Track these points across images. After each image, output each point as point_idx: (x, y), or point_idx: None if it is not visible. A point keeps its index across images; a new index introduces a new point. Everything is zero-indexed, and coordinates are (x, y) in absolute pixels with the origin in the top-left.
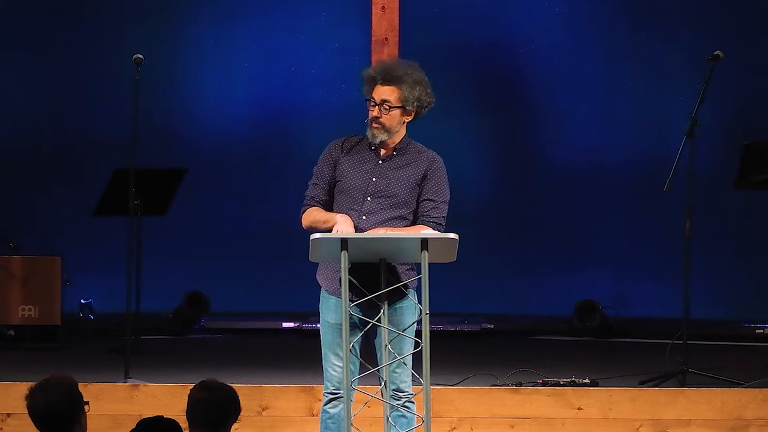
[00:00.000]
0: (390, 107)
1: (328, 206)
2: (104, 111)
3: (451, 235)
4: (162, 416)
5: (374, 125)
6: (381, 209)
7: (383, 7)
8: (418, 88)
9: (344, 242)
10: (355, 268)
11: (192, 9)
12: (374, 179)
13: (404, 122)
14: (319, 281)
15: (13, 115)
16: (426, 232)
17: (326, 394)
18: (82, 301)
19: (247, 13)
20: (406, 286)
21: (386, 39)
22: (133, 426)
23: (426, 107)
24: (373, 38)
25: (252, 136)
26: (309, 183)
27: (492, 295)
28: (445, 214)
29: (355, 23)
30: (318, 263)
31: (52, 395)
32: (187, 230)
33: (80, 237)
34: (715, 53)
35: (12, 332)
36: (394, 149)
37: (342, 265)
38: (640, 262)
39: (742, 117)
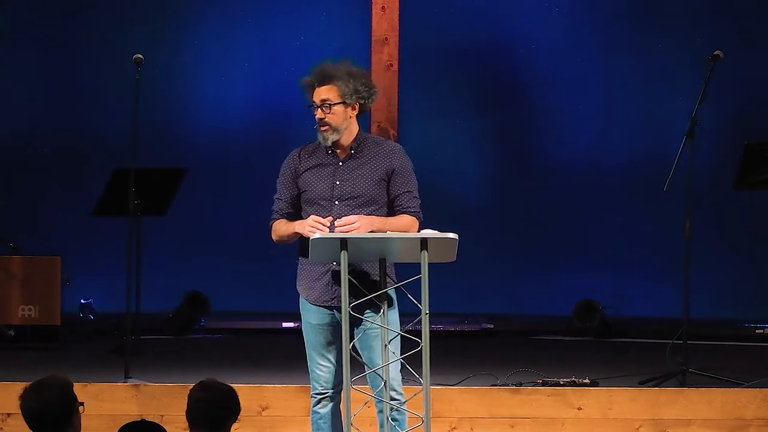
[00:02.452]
0: (331, 105)
1: (294, 218)
2: (104, 111)
3: (451, 235)
4: (144, 419)
5: (322, 128)
6: (350, 210)
7: (383, 7)
8: (353, 81)
9: (344, 242)
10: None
11: (192, 9)
12: (338, 182)
13: (351, 117)
14: (299, 290)
15: (13, 114)
16: (426, 231)
17: (314, 395)
18: (82, 301)
19: (247, 13)
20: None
21: (386, 39)
22: None
23: (369, 98)
24: (373, 38)
25: (252, 136)
26: (274, 198)
27: (492, 295)
28: (420, 201)
29: (355, 23)
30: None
31: (44, 396)
32: (187, 230)
33: (80, 237)
34: (715, 53)
35: (12, 332)
36: (351, 148)
37: (342, 265)
38: (640, 262)
39: (742, 117)
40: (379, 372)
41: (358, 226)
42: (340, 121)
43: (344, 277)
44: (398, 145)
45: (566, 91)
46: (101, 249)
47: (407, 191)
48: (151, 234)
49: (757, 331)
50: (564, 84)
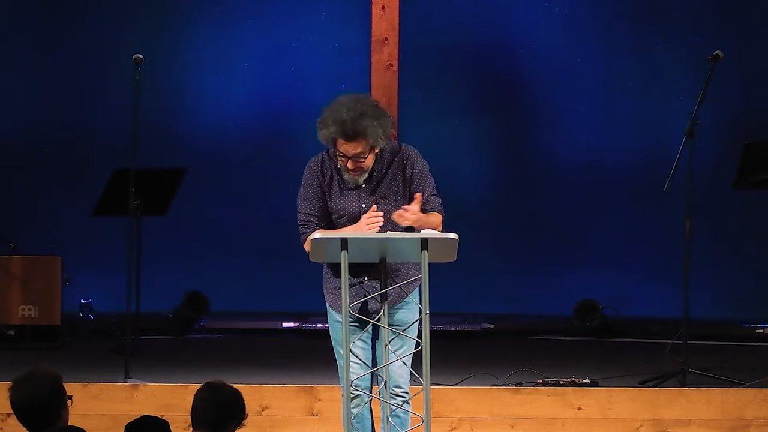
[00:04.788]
0: (364, 157)
1: (329, 228)
2: (104, 111)
3: (451, 235)
4: (148, 416)
5: (352, 172)
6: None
7: (383, 7)
8: (379, 126)
9: (344, 242)
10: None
11: (192, 9)
12: (363, 206)
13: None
14: (326, 298)
15: (13, 115)
16: (426, 231)
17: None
18: (82, 301)
19: (247, 13)
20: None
21: (386, 39)
22: None
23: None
24: (373, 38)
25: (252, 136)
26: (299, 212)
27: (492, 295)
28: (440, 198)
29: (355, 23)
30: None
31: (34, 389)
32: (187, 230)
33: (80, 237)
34: (715, 53)
35: (12, 332)
36: (372, 169)
37: (342, 265)
38: (640, 262)
39: (742, 117)
40: (380, 372)
41: (415, 219)
42: (370, 163)
43: (344, 277)
44: (412, 149)
45: (566, 91)
46: (101, 249)
47: (429, 194)
48: (151, 234)
49: (757, 331)
50: (564, 84)
